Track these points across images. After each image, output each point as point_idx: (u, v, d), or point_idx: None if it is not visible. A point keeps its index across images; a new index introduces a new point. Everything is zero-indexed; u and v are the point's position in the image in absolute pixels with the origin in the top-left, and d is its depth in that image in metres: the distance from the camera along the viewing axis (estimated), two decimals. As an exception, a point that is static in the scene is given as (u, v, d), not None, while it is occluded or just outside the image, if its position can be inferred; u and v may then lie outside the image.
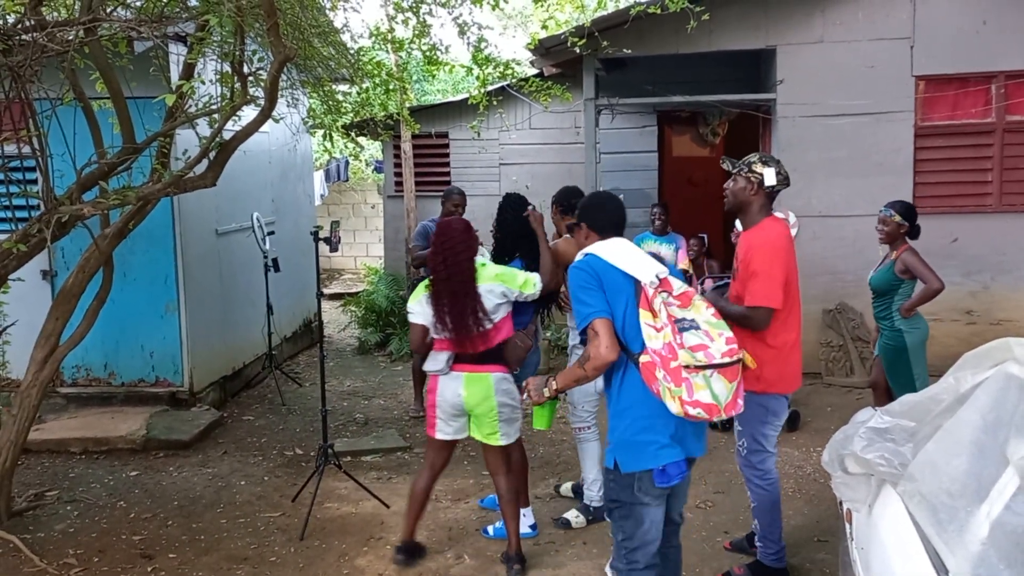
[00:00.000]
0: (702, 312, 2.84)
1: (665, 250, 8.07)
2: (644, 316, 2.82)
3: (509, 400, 3.97)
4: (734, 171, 3.82)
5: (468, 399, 3.91)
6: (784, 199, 7.34)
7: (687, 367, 2.72)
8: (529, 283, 3.93)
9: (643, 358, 2.81)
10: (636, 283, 2.88)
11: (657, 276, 2.86)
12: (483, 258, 4.00)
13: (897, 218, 4.96)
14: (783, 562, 3.96)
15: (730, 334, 2.82)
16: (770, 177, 3.71)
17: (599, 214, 3.14)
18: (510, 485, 4.04)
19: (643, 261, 2.95)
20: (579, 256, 3.05)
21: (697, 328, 2.79)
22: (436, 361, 3.95)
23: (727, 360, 2.75)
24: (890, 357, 5.02)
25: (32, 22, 3.81)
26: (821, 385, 7.22)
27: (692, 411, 2.74)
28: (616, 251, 2.98)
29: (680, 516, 3.23)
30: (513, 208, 4.47)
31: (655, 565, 3.02)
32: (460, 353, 3.90)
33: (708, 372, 2.72)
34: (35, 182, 5.48)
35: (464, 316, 3.81)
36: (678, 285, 2.89)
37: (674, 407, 2.75)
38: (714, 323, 2.83)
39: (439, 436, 4.04)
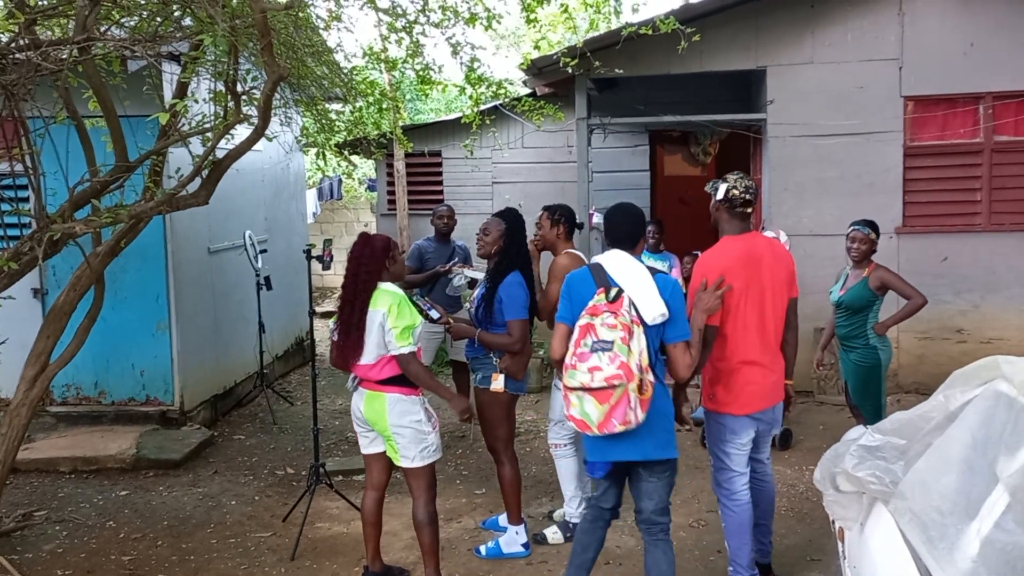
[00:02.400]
0: (617, 334, 3.18)
1: (658, 267, 8.08)
2: (574, 332, 3.31)
3: (409, 423, 3.84)
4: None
5: (367, 415, 3.92)
6: (775, 218, 7.40)
7: (567, 386, 3.23)
8: (404, 336, 3.77)
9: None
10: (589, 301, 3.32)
11: (619, 291, 3.30)
12: (387, 284, 3.91)
13: (873, 235, 5.03)
14: None
15: (625, 360, 3.14)
16: (720, 192, 3.84)
17: (612, 228, 3.64)
18: (427, 512, 3.96)
19: (627, 274, 3.41)
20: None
21: (608, 350, 3.16)
22: (351, 380, 4.02)
23: (601, 385, 3.12)
24: (862, 375, 5.02)
25: (26, 41, 3.82)
26: (813, 403, 7.23)
27: (569, 423, 3.29)
28: (611, 260, 3.50)
29: (648, 511, 3.47)
30: (520, 226, 4.51)
31: (607, 511, 3.62)
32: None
33: (580, 393, 3.18)
34: (27, 200, 5.48)
35: (347, 332, 3.83)
36: (626, 306, 3.26)
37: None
38: (622, 347, 3.17)
39: (362, 451, 4.11)
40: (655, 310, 3.31)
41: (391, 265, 3.92)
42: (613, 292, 3.29)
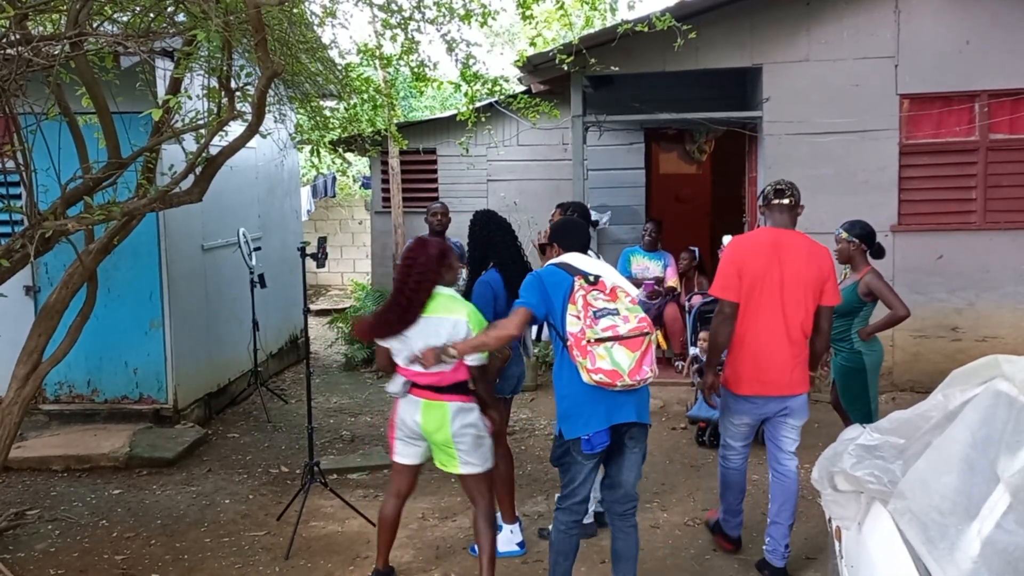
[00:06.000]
0: (623, 301, 3.44)
1: (653, 266, 8.11)
2: (570, 309, 3.43)
3: (471, 430, 3.81)
4: None
5: (425, 426, 3.82)
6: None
7: (590, 341, 3.34)
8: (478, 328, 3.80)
9: (569, 342, 3.41)
10: (572, 285, 3.46)
11: (596, 276, 3.48)
12: (450, 290, 3.88)
13: (845, 235, 4.95)
14: (734, 531, 4.45)
15: (644, 315, 3.42)
16: (760, 198, 4.28)
17: (567, 236, 3.85)
18: (486, 513, 3.92)
19: (592, 265, 3.62)
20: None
21: (616, 314, 3.38)
22: (394, 383, 3.89)
23: (632, 333, 3.34)
24: (847, 378, 5.00)
25: (17, 36, 3.78)
26: (808, 402, 7.21)
27: (596, 377, 3.33)
28: (573, 258, 3.66)
29: (629, 483, 3.67)
30: (482, 222, 4.50)
31: (581, 504, 3.67)
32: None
33: (609, 344, 3.33)
34: (19, 197, 5.44)
35: (393, 333, 3.78)
36: (610, 283, 3.47)
37: (584, 377, 3.36)
38: (631, 308, 3.42)
39: (397, 459, 4.00)
40: (631, 291, 3.57)
41: (446, 272, 3.86)
42: (592, 277, 3.48)
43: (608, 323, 3.36)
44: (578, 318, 3.40)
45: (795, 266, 4.01)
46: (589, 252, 3.87)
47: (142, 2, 4.42)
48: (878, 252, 5.04)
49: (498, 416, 4.08)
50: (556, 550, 3.72)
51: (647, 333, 3.38)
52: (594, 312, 3.38)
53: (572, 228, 3.90)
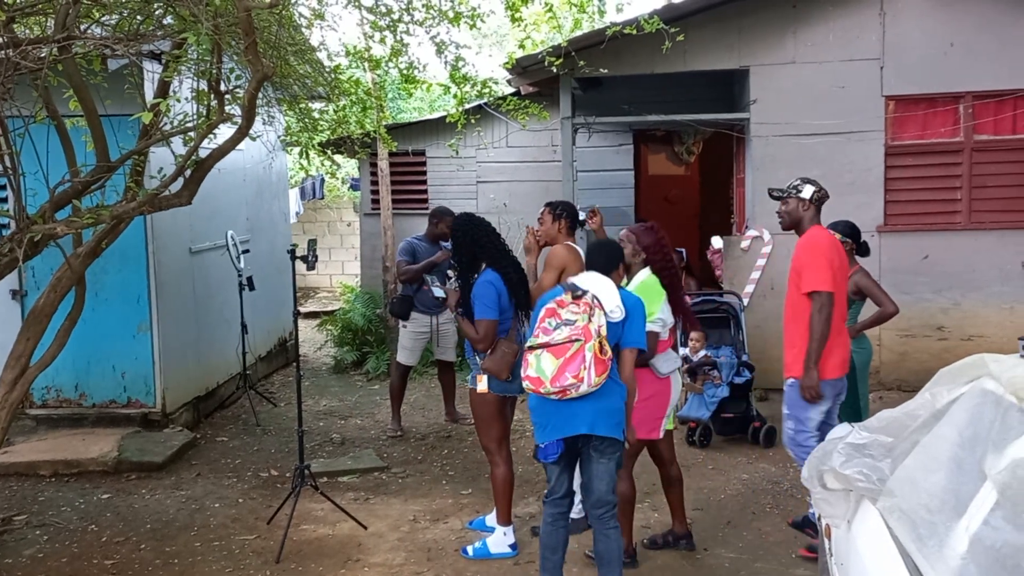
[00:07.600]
0: (586, 313, 3.52)
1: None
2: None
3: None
4: (784, 195, 4.48)
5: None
6: (758, 217, 7.43)
7: (527, 349, 3.56)
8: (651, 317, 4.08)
9: None
10: (552, 298, 3.67)
11: (583, 292, 3.59)
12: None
13: (838, 236, 5.00)
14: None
15: (585, 324, 3.48)
16: (807, 192, 4.42)
17: (589, 258, 3.97)
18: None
19: (593, 281, 3.72)
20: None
21: (571, 324, 3.49)
22: (674, 360, 4.26)
23: (559, 341, 3.45)
24: None
25: (4, 39, 3.77)
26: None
27: (525, 384, 3.54)
28: (582, 277, 3.81)
29: (600, 491, 3.70)
30: (466, 226, 4.50)
31: (563, 498, 3.82)
32: None
33: (539, 351, 3.48)
34: (6, 200, 5.41)
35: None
36: (590, 298, 3.57)
37: (524, 383, 3.57)
38: (583, 317, 3.50)
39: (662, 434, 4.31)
40: (612, 302, 3.65)
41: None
42: (579, 291, 3.60)
43: (559, 335, 3.49)
44: (537, 324, 3.62)
45: (842, 258, 4.46)
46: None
47: (130, 5, 4.40)
48: (864, 250, 5.09)
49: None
50: (543, 543, 3.86)
51: (575, 340, 3.45)
52: (556, 324, 3.52)
53: (593, 250, 4.03)
